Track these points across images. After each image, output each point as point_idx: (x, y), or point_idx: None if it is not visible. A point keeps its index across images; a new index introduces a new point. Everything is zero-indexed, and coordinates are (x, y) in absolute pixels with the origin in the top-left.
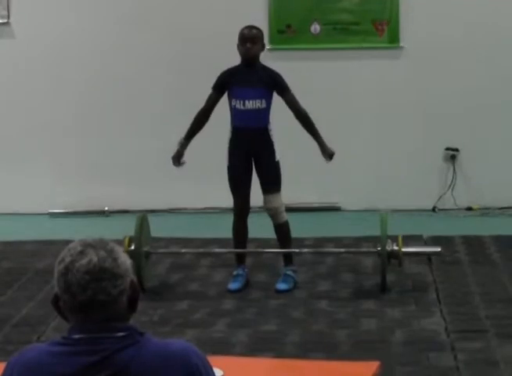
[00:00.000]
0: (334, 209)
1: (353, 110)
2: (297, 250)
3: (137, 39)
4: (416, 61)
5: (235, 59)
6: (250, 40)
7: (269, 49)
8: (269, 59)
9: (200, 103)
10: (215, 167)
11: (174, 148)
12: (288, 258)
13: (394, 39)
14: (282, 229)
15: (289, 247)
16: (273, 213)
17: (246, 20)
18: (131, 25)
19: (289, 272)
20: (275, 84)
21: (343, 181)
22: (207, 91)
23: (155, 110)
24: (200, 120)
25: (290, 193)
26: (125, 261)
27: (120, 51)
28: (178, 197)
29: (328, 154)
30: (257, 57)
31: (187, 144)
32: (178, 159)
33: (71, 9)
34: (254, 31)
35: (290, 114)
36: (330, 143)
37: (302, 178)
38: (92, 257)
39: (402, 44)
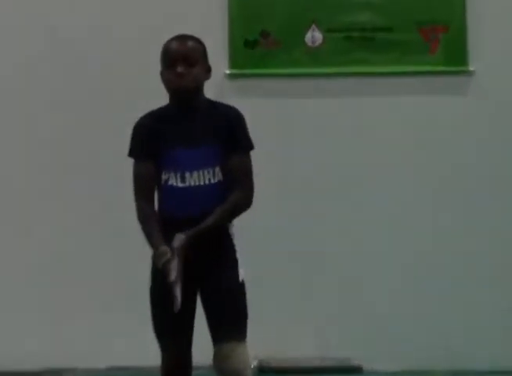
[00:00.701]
0: (352, 371)
1: (380, 187)
2: None
3: None
4: (494, 95)
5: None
6: (182, 59)
7: (228, 76)
8: (228, 93)
9: None
10: (124, 293)
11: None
12: None
13: (457, 58)
14: None
15: None
16: None
17: (182, 25)
18: None
19: None
20: (230, 131)
21: (364, 323)
22: None
23: None
24: (150, 214)
25: (274, 343)
26: None
27: None
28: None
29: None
30: (197, 89)
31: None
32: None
33: None
34: (190, 44)
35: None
36: (338, 251)
37: (297, 318)
38: None
39: (471, 67)
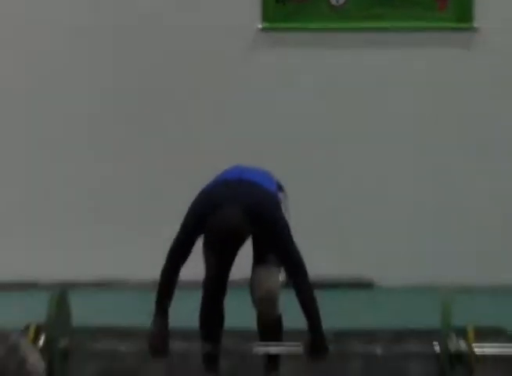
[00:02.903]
0: (364, 286)
1: (394, 136)
2: (301, 346)
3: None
4: (499, 50)
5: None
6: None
7: (262, 29)
8: (261, 45)
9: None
10: (171, 221)
11: (100, 193)
12: (274, 362)
13: (464, 15)
14: (273, 328)
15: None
16: (265, 299)
17: None
18: None
19: None
20: None
21: (376, 243)
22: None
23: (64, 143)
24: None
25: None
26: (35, 363)
27: None
28: (110, 264)
29: (318, 354)
30: None
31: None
32: (163, 349)
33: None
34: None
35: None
36: (354, 182)
37: (317, 240)
38: None
39: (476, 24)
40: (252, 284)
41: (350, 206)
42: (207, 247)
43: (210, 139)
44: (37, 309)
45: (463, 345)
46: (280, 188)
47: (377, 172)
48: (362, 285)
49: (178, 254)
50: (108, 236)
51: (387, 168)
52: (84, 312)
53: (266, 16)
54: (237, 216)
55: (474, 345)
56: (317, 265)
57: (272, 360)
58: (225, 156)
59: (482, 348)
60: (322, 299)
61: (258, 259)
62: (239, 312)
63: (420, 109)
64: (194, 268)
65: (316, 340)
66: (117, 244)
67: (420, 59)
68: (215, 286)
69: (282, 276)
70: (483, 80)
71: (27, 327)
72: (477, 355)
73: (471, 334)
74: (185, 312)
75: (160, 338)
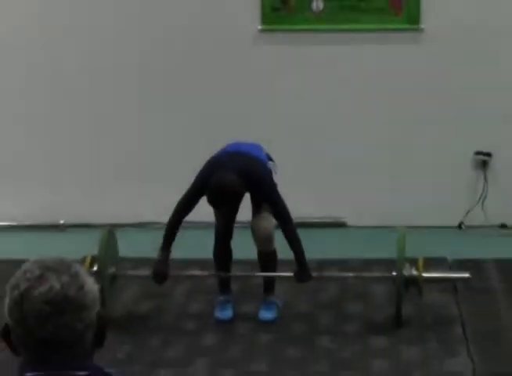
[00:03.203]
0: (339, 225)
1: (362, 107)
2: (291, 274)
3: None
4: (441, 47)
5: None
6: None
7: (261, 30)
8: (260, 43)
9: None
10: (195, 172)
11: (141, 149)
12: (270, 285)
13: (414, 19)
14: (269, 259)
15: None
16: (263, 237)
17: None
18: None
19: (274, 299)
20: None
21: (349, 191)
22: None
23: (119, 106)
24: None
25: None
26: (92, 288)
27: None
28: (148, 208)
29: (303, 279)
30: None
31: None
32: (163, 275)
33: None
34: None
35: (287, 118)
36: (335, 146)
37: (300, 187)
38: (54, 283)
39: (422, 25)
40: (252, 227)
41: (328, 157)
42: (209, 203)
43: (217, 117)
44: (91, 245)
45: (414, 271)
46: (270, 158)
47: (352, 126)
48: (337, 224)
49: (182, 209)
50: (145, 187)
51: (361, 123)
52: (127, 246)
53: (265, 20)
54: (232, 178)
55: (422, 271)
56: (301, 209)
57: (269, 283)
58: (229, 129)
59: (429, 274)
60: (306, 236)
61: (256, 209)
62: (244, 248)
63: (386, 85)
64: (211, 212)
65: (302, 268)
66: (151, 194)
67: (382, 53)
68: (223, 231)
69: (274, 221)
70: (429, 66)
71: (84, 258)
72: (424, 278)
73: (421, 263)
74: (205, 245)
75: (161, 266)
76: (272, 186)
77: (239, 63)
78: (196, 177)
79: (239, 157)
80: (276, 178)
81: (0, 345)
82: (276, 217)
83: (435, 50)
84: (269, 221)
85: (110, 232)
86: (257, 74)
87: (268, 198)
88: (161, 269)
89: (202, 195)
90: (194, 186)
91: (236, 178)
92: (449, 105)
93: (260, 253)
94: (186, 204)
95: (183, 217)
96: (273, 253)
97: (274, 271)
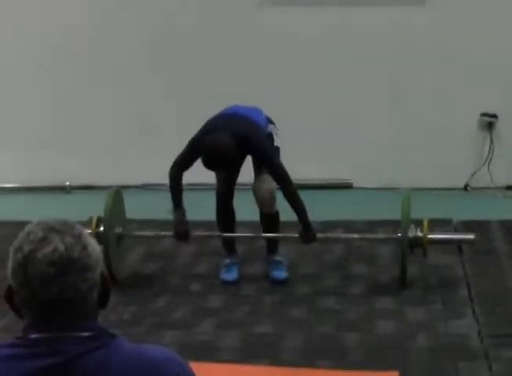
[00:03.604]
0: (345, 187)
1: (366, 69)
2: (296, 235)
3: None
4: (444, 7)
5: None
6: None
7: None
8: (254, 6)
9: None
10: None
11: (147, 112)
12: (274, 245)
13: None
14: (272, 220)
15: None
16: (265, 197)
17: None
18: None
19: (280, 258)
20: None
21: (355, 153)
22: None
23: (124, 70)
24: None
25: (289, 167)
26: (95, 249)
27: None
28: (153, 170)
29: (308, 239)
30: None
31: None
32: (185, 234)
33: None
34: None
35: (291, 79)
36: (339, 109)
37: (305, 149)
38: (58, 245)
39: None
40: (254, 188)
41: (334, 119)
42: (204, 165)
43: (219, 81)
44: (97, 207)
45: (419, 233)
46: (270, 121)
47: (355, 92)
48: (343, 186)
49: (180, 166)
50: (150, 149)
51: (364, 88)
52: (133, 208)
53: None
54: (225, 140)
55: (427, 233)
56: (308, 171)
57: (273, 244)
58: (235, 90)
59: (434, 235)
60: (311, 198)
61: (257, 171)
62: (247, 210)
63: (391, 48)
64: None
65: (306, 228)
66: (156, 156)
67: (388, 14)
68: (223, 192)
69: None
70: (434, 28)
71: (91, 219)
72: (429, 240)
73: (426, 224)
74: (210, 207)
75: (181, 225)
76: (269, 150)
77: (246, 24)
78: (192, 138)
79: (236, 120)
80: (280, 141)
81: (3, 307)
82: (275, 180)
83: (440, 11)
84: (271, 182)
85: (117, 192)
86: (262, 36)
87: (266, 161)
88: (182, 228)
89: (198, 156)
90: (190, 147)
91: (230, 141)
92: (455, 67)
93: (262, 214)
94: (183, 163)
95: (181, 172)
96: (276, 214)
97: (277, 232)
